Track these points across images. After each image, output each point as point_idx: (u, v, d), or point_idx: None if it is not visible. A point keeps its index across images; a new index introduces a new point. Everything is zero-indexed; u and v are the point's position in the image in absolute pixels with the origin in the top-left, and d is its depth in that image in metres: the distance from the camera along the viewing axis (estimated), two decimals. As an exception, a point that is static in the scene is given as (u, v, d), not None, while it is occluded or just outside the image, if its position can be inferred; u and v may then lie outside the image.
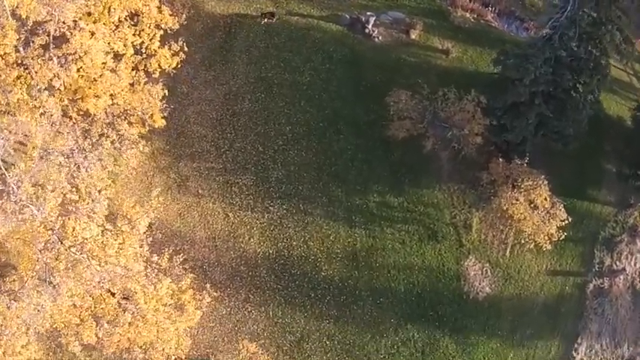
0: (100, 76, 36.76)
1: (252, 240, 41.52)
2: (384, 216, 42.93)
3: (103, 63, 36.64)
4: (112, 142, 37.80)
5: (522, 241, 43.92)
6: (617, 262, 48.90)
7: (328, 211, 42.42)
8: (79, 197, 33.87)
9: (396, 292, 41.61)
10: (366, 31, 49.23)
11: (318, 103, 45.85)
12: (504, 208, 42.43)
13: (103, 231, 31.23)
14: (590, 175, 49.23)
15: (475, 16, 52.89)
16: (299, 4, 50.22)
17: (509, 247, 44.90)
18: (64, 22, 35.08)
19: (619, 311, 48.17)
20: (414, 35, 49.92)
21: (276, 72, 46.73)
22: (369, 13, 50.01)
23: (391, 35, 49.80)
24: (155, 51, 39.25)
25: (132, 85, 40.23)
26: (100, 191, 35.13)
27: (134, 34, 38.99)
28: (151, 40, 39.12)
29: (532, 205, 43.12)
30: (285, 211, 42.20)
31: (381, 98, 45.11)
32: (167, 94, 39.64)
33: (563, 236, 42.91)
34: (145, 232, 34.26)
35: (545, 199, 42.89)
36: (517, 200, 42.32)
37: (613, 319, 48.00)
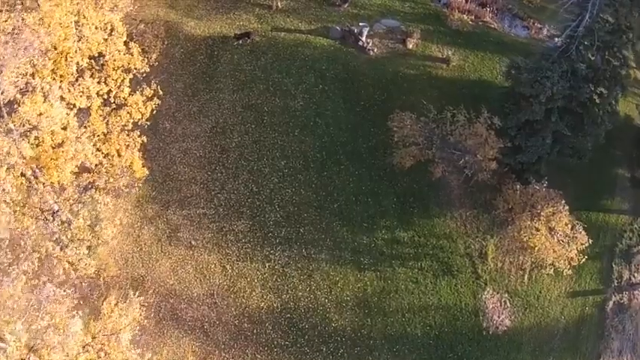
0: (62, 143, 27.70)
1: (253, 293, 33.11)
2: (395, 254, 34.53)
3: (63, 128, 27.54)
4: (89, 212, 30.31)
5: (541, 267, 37.32)
6: (636, 274, 40.92)
7: (334, 254, 33.95)
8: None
9: (412, 336, 33.54)
10: (360, 43, 39.93)
11: (313, 130, 36.93)
12: (524, 239, 34.20)
13: (83, 346, 23.83)
14: (602, 184, 40.60)
15: (473, 17, 43.18)
16: (285, 18, 40.64)
17: (527, 273, 36.72)
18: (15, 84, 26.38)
19: (639, 326, 42.27)
20: (410, 44, 40.53)
21: (265, 97, 37.60)
22: (362, 24, 40.62)
23: (387, 46, 40.40)
24: (125, 99, 30.18)
25: (105, 135, 31.19)
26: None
27: (99, 82, 29.74)
28: (119, 87, 30.09)
29: (551, 231, 35.65)
30: (287, 259, 33.70)
31: (382, 120, 36.57)
32: (146, 140, 30.96)
33: (583, 259, 35.33)
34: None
35: (566, 224, 34.69)
36: (537, 230, 34.15)
37: (633, 335, 40.62)
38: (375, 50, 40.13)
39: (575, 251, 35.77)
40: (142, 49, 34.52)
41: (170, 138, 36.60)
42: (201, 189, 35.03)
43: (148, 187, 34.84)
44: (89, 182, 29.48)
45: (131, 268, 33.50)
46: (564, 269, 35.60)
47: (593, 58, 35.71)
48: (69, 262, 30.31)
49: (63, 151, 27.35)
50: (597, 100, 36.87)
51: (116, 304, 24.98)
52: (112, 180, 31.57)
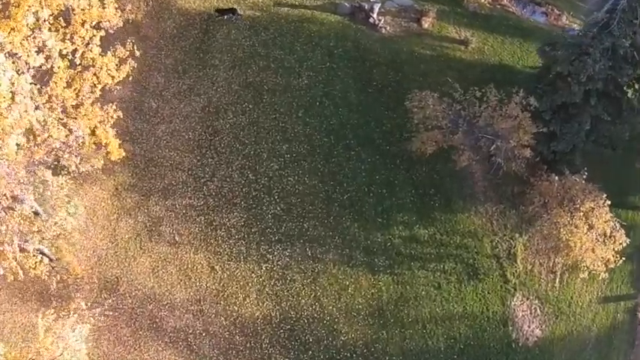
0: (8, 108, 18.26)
1: (248, 300, 23.78)
2: (413, 254, 25.31)
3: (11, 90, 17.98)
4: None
5: (573, 269, 28.32)
6: (668, 278, 34.33)
7: (343, 254, 24.61)
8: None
9: (434, 351, 24.45)
10: (371, 20, 30.40)
11: (320, 111, 27.48)
12: (563, 237, 24.84)
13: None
14: (631, 179, 31.36)
15: (490, 0, 35.71)
16: (289, -8, 32.73)
17: (559, 277, 27.41)
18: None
19: (672, 333, 33.98)
20: (426, 24, 31.09)
21: (265, 75, 28.10)
22: (372, 0, 31.26)
23: (400, 25, 30.95)
24: (94, 60, 20.89)
25: (76, 107, 21.79)
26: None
27: (63, 39, 20.46)
28: (87, 45, 20.77)
29: (590, 229, 25.68)
30: (288, 259, 24.35)
31: (397, 103, 27.43)
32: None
33: (620, 261, 26.38)
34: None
35: (606, 222, 25.64)
36: (577, 228, 24.93)
37: (666, 343, 33.66)
38: (388, 28, 30.61)
39: (613, 252, 27.86)
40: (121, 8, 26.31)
41: (156, 118, 27.00)
42: (189, 176, 25.55)
43: (128, 174, 25.42)
44: (39, 159, 20.83)
45: (104, 266, 24.14)
46: (600, 271, 27.65)
47: (633, 37, 28.14)
48: (15, 260, 21.86)
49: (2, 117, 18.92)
50: (637, 86, 29.15)
51: (56, 320, 16.47)
52: (79, 161, 23.32)
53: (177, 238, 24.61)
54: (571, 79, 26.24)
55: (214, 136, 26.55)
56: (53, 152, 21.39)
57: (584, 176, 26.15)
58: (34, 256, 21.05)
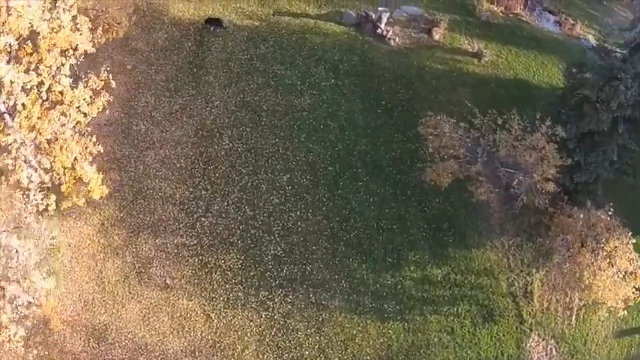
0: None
1: (246, 352, 19.24)
2: (426, 297, 20.78)
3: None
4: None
5: (591, 306, 23.60)
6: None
7: (350, 300, 20.05)
8: None
9: (447, 401, 21.32)
10: (379, 31, 25.22)
11: (324, 135, 22.57)
12: (586, 280, 20.42)
13: None
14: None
15: (503, 8, 28.37)
16: (290, 0, 25.55)
17: (575, 313, 22.87)
18: None
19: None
20: (437, 35, 25.82)
21: (264, 94, 23.16)
22: (380, 9, 25.88)
23: (410, 36, 25.64)
24: (62, 94, 16.15)
25: (49, 142, 16.68)
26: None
27: (27, 70, 15.60)
28: (53, 76, 16.00)
29: (611, 266, 20.91)
30: (289, 307, 19.78)
31: (407, 123, 22.71)
32: (101, 149, 17.36)
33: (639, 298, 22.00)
34: None
35: (630, 261, 20.93)
36: (600, 270, 20.43)
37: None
38: (397, 40, 25.45)
39: (633, 289, 23.90)
40: (103, 28, 20.42)
41: (145, 143, 22.05)
42: (180, 211, 20.77)
43: (114, 207, 20.70)
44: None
45: (92, 312, 19.47)
46: (619, 309, 23.45)
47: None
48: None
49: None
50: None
51: None
52: (58, 200, 18.72)
53: (168, 282, 19.98)
54: (599, 105, 21.30)
55: (208, 165, 21.67)
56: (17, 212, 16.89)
57: (610, 212, 21.27)
58: (6, 328, 16.89)
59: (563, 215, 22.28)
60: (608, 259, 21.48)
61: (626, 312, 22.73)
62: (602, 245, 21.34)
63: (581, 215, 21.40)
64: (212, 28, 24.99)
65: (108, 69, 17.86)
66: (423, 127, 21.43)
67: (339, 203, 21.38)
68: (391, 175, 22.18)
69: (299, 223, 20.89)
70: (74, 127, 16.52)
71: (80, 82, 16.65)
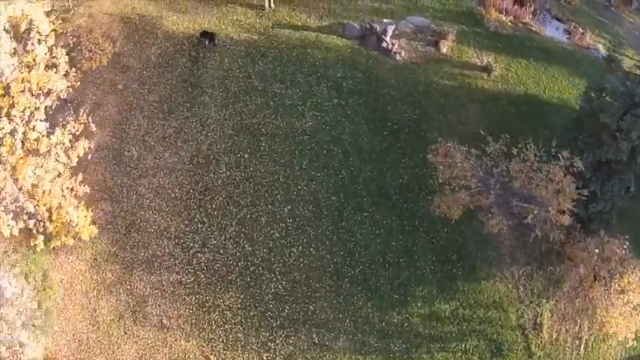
0: None
1: (246, 396, 18.21)
2: (433, 335, 18.69)
3: None
4: None
5: (600, 336, 20.85)
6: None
7: (355, 340, 17.92)
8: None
9: None
10: (384, 45, 22.60)
11: (327, 162, 20.11)
12: (598, 318, 18.56)
13: None
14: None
15: (512, 18, 25.53)
16: (290, 12, 23.03)
17: (584, 342, 20.70)
18: None
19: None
20: (444, 48, 23.17)
21: (263, 116, 20.66)
22: (386, 21, 23.15)
23: (416, 50, 22.96)
24: (37, 143, 13.94)
25: (33, 186, 14.38)
26: None
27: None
28: (27, 122, 13.76)
29: (622, 297, 18.89)
30: (292, 348, 17.70)
31: (414, 146, 20.32)
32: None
33: (650, 328, 20.90)
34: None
35: None
36: (613, 306, 18.47)
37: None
38: (403, 54, 22.77)
39: None
40: (84, 56, 18.33)
41: (138, 171, 19.68)
42: (176, 246, 18.50)
43: (107, 241, 18.47)
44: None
45: (87, 353, 17.50)
46: (629, 341, 20.88)
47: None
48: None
49: None
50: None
51: None
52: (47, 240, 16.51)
53: (165, 322, 17.87)
54: (619, 134, 18.68)
55: (204, 195, 19.30)
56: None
57: (626, 246, 18.90)
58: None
59: (576, 246, 20.21)
60: (621, 295, 19.85)
61: (635, 342, 21.39)
62: (617, 280, 19.52)
63: (596, 250, 19.07)
64: (207, 42, 22.31)
65: (87, 111, 15.53)
66: (432, 155, 19.01)
67: (344, 236, 19.12)
68: (398, 204, 19.88)
69: (301, 259, 18.68)
70: (55, 177, 14.34)
71: (57, 128, 14.30)
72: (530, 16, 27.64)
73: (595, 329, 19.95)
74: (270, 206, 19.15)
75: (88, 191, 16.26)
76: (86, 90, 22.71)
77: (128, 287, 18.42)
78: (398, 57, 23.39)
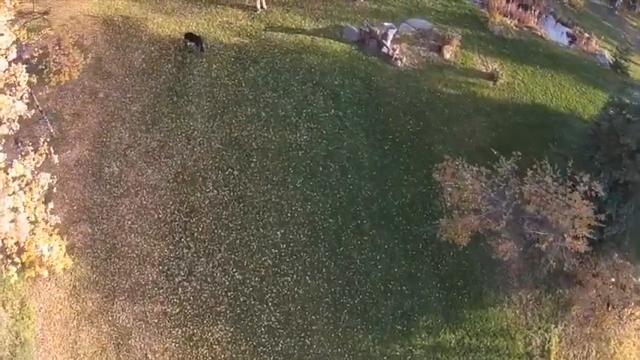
0: None
1: None
2: (439, 367, 17.23)
3: None
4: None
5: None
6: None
7: (355, 377, 16.25)
8: None
9: None
10: (384, 50, 19.74)
11: (323, 180, 17.30)
12: (612, 351, 16.24)
13: None
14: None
15: (516, 22, 22.70)
16: (284, 14, 20.06)
17: None
18: None
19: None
20: (448, 54, 20.31)
21: (254, 128, 17.75)
22: (386, 24, 20.26)
23: (418, 55, 20.06)
24: None
25: None
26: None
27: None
28: None
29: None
30: (287, 387, 15.96)
31: (418, 162, 17.55)
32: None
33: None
34: None
35: None
36: (627, 338, 16.39)
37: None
38: (404, 60, 19.88)
39: None
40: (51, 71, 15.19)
41: (119, 189, 16.80)
42: (160, 273, 15.70)
43: (87, 266, 15.69)
44: None
45: (64, 390, 15.29)
46: None
47: None
48: None
49: None
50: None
51: None
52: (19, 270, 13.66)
53: (150, 356, 15.12)
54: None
55: (190, 217, 16.45)
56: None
57: None
58: None
59: (588, 269, 17.93)
60: (635, 321, 17.75)
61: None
62: (631, 310, 17.28)
63: (612, 279, 16.56)
64: (194, 46, 19.24)
65: (47, 140, 12.66)
66: (439, 175, 16.12)
67: (342, 263, 16.38)
68: (400, 226, 17.09)
69: (296, 288, 15.91)
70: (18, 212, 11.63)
71: (15, 160, 11.39)
72: (536, 19, 25.27)
73: (605, 357, 18.21)
74: (261, 230, 16.35)
75: (60, 221, 13.55)
76: (65, 99, 20.13)
77: (110, 318, 15.63)
78: (399, 63, 20.37)
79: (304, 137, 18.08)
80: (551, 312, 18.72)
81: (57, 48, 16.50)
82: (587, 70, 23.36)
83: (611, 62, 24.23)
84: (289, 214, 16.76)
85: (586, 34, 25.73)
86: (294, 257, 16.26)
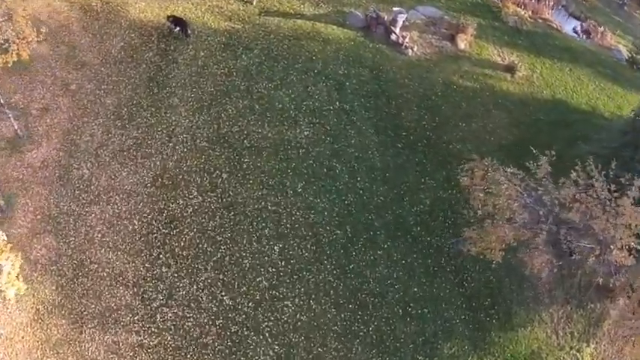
0: None
1: None
2: (466, 401, 13.14)
3: None
4: None
5: None
6: None
7: None
8: None
9: None
10: (393, 37, 15.85)
11: (329, 184, 13.16)
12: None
13: None
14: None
15: (530, 13, 19.07)
16: (281, -5, 16.53)
17: None
18: None
19: None
20: (462, 43, 16.57)
21: (246, 123, 13.58)
22: (395, 9, 16.28)
23: (430, 44, 16.25)
24: None
25: None
26: None
27: None
28: None
29: None
30: None
31: (435, 161, 13.58)
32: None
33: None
34: None
35: None
36: None
37: None
38: (415, 49, 16.06)
39: None
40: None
41: (88, 194, 12.69)
42: (135, 296, 11.58)
43: (51, 286, 11.58)
44: None
45: None
46: None
47: None
48: None
49: None
50: None
51: None
52: None
53: (118, 399, 11.90)
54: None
55: (171, 229, 12.32)
56: None
57: None
58: None
59: (619, 279, 14.64)
60: None
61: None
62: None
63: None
64: (178, 31, 15.18)
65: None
66: (467, 177, 12.08)
67: (352, 283, 12.32)
68: (419, 237, 13.14)
69: (298, 315, 11.84)
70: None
71: None
72: (549, 10, 21.91)
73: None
74: (255, 244, 12.25)
75: (6, 239, 9.87)
76: (34, 92, 16.06)
77: (78, 349, 11.47)
78: (410, 52, 16.38)
79: (305, 134, 14.03)
80: (582, 329, 14.88)
81: (8, 24, 12.71)
82: (605, 65, 19.63)
83: (627, 58, 21.17)
84: (289, 225, 12.64)
85: (600, 29, 22.64)
86: (295, 277, 12.15)
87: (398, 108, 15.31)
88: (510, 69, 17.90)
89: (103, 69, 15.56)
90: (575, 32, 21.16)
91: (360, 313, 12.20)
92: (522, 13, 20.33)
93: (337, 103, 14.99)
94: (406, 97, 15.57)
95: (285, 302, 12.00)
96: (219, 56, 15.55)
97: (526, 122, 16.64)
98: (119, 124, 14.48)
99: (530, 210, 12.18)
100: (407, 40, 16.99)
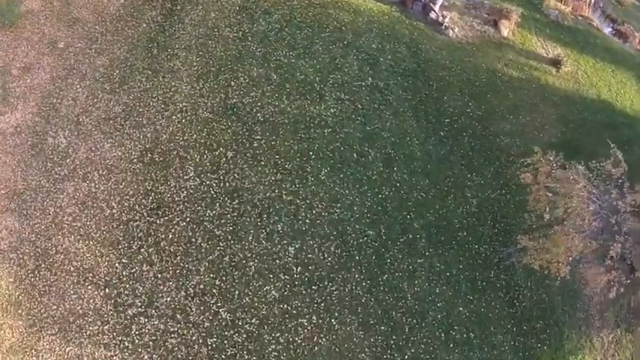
0: None
1: None
2: None
3: None
4: None
5: None
6: None
7: None
8: None
9: None
10: (432, 15, 12.18)
11: (359, 173, 9.25)
12: None
13: None
14: None
15: (570, 9, 15.12)
16: (308, -42, 12.47)
17: None
18: None
19: None
20: (505, 30, 12.90)
21: (260, 94, 9.63)
22: (436, -15, 13.14)
23: (472, 27, 12.53)
24: None
25: None
26: None
27: None
28: None
29: None
30: None
31: (482, 154, 9.72)
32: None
33: None
34: None
35: None
36: None
37: None
38: (456, 31, 12.44)
39: None
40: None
41: (62, 168, 8.87)
42: (105, 299, 7.75)
43: (9, 278, 7.75)
44: None
45: None
46: None
47: None
48: None
49: None
50: None
51: None
52: None
53: None
54: None
55: (157, 216, 8.57)
56: None
57: None
58: None
59: None
60: None
61: None
62: None
63: None
64: None
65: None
66: (529, 173, 8.70)
67: (386, 298, 8.67)
68: (465, 244, 9.53)
69: (315, 337, 8.13)
70: None
71: None
72: (589, 9, 18.99)
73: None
74: (264, 243, 8.53)
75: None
76: (17, 50, 12.34)
77: (34, 358, 7.80)
78: (451, 33, 12.64)
79: (332, 110, 10.31)
80: (630, 356, 11.97)
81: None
82: (647, 71, 17.24)
83: None
84: (308, 221, 8.93)
85: (637, 34, 19.81)
86: (314, 288, 8.44)
87: (439, 91, 11.57)
88: (556, 63, 14.19)
89: (97, 27, 11.78)
90: (619, 33, 18.64)
91: (394, 337, 8.48)
92: (563, 7, 17.32)
93: (370, 79, 11.23)
94: (448, 80, 11.82)
95: (300, 320, 8.25)
96: (232, 19, 11.77)
97: (574, 121, 13.02)
98: (107, 88, 10.74)
99: (601, 217, 9.16)
100: (447, 20, 13.87)
